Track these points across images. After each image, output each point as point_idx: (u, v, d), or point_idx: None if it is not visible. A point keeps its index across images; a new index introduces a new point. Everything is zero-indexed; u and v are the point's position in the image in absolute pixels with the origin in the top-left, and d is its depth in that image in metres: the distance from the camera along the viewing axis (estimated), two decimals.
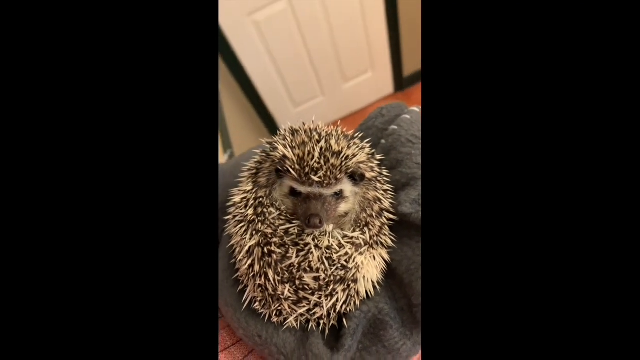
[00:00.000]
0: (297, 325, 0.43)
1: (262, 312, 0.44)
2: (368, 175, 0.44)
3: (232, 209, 0.46)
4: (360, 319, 0.43)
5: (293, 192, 0.43)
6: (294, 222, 0.43)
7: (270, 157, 0.45)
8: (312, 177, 0.40)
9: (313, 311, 0.42)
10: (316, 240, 0.41)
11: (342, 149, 0.42)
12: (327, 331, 0.43)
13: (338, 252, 0.41)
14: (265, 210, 0.43)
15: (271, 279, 0.41)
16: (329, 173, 0.41)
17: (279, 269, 0.41)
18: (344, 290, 0.41)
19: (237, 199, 0.46)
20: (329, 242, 0.41)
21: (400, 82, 2.17)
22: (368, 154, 0.46)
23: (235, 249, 0.45)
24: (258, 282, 0.42)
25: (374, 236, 0.43)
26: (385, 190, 0.46)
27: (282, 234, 0.42)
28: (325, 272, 0.40)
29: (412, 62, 2.06)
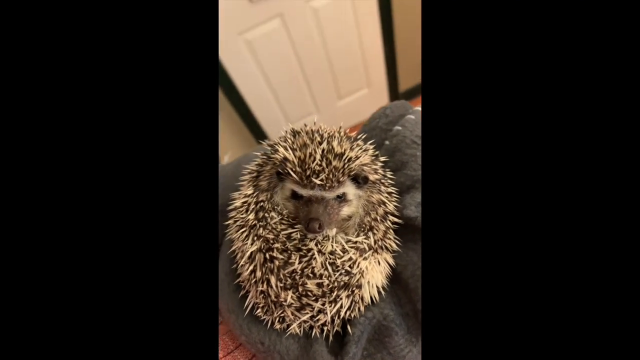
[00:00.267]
0: (300, 331, 0.42)
1: (264, 319, 0.43)
2: (372, 177, 0.43)
3: (233, 213, 0.45)
4: (364, 325, 0.42)
5: (295, 196, 0.42)
6: (296, 226, 0.42)
7: (271, 159, 0.44)
8: (314, 179, 0.39)
9: (317, 318, 0.41)
10: (319, 246, 0.40)
11: (344, 150, 0.40)
12: (331, 338, 0.42)
13: (342, 257, 0.40)
14: (266, 214, 0.42)
15: (273, 286, 0.40)
16: (331, 175, 0.39)
17: (282, 275, 0.40)
18: (348, 296, 0.40)
19: (237, 203, 0.45)
20: (332, 247, 0.40)
21: (396, 98, 2.14)
22: (372, 156, 0.45)
23: (236, 254, 0.44)
24: (260, 288, 0.41)
25: (378, 240, 0.42)
26: (389, 193, 0.45)
27: (284, 239, 0.41)
28: (329, 278, 0.39)
29: (408, 78, 2.02)
